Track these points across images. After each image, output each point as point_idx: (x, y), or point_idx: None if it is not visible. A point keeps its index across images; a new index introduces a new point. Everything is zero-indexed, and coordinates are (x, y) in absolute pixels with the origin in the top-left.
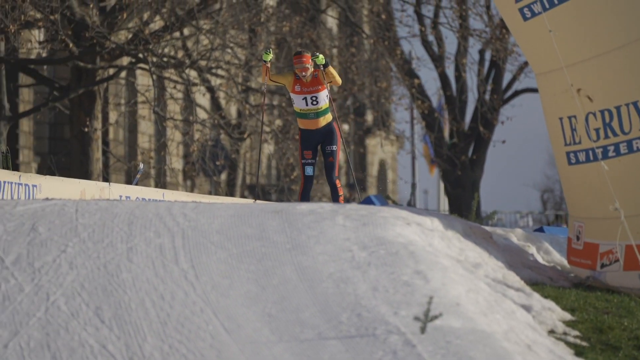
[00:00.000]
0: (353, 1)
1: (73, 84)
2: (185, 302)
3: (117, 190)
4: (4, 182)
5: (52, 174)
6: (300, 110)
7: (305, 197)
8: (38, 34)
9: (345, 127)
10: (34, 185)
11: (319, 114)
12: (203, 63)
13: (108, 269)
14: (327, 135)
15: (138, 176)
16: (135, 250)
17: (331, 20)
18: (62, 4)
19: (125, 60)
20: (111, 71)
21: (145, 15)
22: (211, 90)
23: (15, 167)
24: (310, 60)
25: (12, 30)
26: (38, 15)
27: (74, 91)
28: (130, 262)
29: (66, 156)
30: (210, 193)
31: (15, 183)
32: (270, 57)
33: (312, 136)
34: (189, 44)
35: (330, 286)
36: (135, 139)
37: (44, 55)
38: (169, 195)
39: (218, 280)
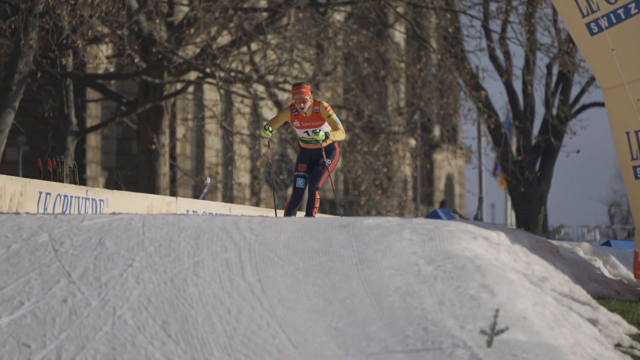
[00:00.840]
0: (420, 15)
1: (140, 99)
2: (251, 316)
3: (184, 204)
4: (72, 196)
5: (120, 188)
6: (302, 138)
7: (292, 209)
8: (106, 49)
9: (412, 142)
10: (101, 200)
11: (319, 140)
12: (270, 77)
13: (175, 283)
14: (327, 151)
15: (205, 190)
16: (202, 265)
17: (398, 35)
18: (130, 19)
19: (192, 75)
20: (179, 86)
21: (213, 30)
22: (278, 104)
23: (83, 182)
24: (309, 93)
25: (80, 46)
26: (105, 31)
27: (142, 106)
28: (197, 276)
29: (133, 171)
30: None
31: (83, 198)
32: (269, 135)
33: (311, 153)
34: (257, 58)
35: (396, 300)
36: (203, 153)
37: (111, 70)
38: (235, 209)
39: (285, 294)
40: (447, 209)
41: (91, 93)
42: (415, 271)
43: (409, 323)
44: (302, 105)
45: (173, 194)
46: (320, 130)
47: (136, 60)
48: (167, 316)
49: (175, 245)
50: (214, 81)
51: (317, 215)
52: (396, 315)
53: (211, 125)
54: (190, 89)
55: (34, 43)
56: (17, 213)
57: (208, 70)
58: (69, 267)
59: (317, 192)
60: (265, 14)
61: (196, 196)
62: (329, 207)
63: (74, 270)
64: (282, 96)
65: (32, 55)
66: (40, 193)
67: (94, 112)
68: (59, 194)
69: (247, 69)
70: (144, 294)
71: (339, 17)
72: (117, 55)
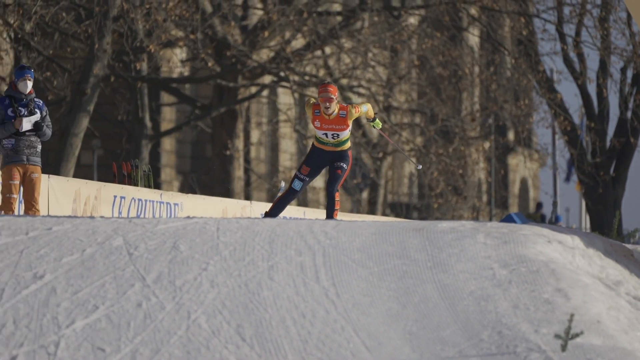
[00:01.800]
0: (494, 19)
1: (215, 103)
2: (326, 320)
3: (259, 208)
4: (146, 200)
5: (194, 192)
6: (320, 138)
7: (278, 206)
8: (180, 53)
9: (487, 146)
10: (175, 204)
11: (337, 144)
12: (344, 81)
13: (249, 287)
14: (338, 157)
15: (279, 194)
16: (276, 269)
17: (472, 38)
18: (204, 23)
19: (267, 79)
20: (253, 90)
21: (287, 34)
22: None
23: (157, 186)
24: (336, 93)
25: (153, 50)
26: (180, 34)
27: (216, 110)
28: (271, 280)
29: (208, 174)
30: (351, 211)
31: (157, 201)
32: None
33: (322, 155)
34: (331, 62)
35: (471, 304)
36: (277, 157)
37: (185, 74)
38: (310, 213)
39: (359, 298)
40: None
41: (165, 97)
42: (490, 275)
43: (483, 327)
44: (327, 104)
45: (247, 197)
46: (376, 120)
47: (210, 64)
48: (241, 320)
49: (249, 249)
50: (288, 85)
51: (391, 219)
52: (470, 319)
53: (285, 129)
54: (265, 92)
55: (108, 47)
56: (91, 217)
57: (282, 74)
58: (144, 271)
59: (337, 194)
60: (339, 18)
61: (270, 200)
62: (405, 210)
63: (148, 274)
64: (356, 99)
65: (106, 59)
66: (115, 197)
67: (168, 116)
68: (133, 198)
69: (321, 72)
70: (219, 297)
71: (413, 20)
72: (192, 59)
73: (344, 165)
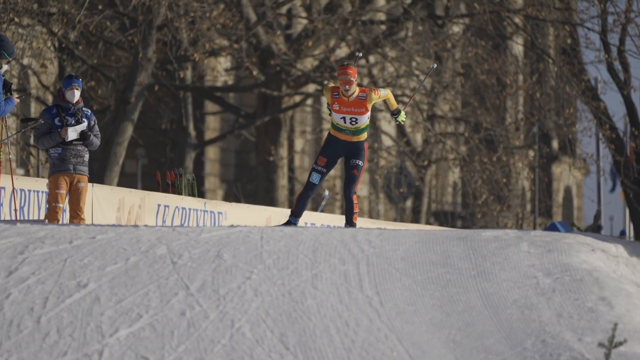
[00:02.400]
0: (538, 28)
1: (259, 112)
2: (369, 328)
3: (303, 217)
4: (190, 209)
5: (238, 201)
6: (337, 124)
7: (301, 203)
8: (224, 62)
9: (531, 154)
10: (219, 212)
11: (355, 132)
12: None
13: (293, 295)
14: (354, 150)
15: (323, 203)
16: (320, 277)
17: (516, 47)
18: (248, 32)
19: (311, 88)
20: (297, 98)
21: (332, 43)
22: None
23: (201, 194)
24: (356, 75)
25: (198, 59)
26: (224, 43)
27: (260, 118)
28: (315, 288)
29: (252, 183)
30: (395, 220)
31: (201, 210)
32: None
33: (338, 145)
34: (375, 71)
35: (514, 312)
36: None
37: (229, 82)
38: None
39: (403, 306)
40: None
41: (209, 105)
42: (534, 284)
43: (527, 335)
44: (347, 87)
45: (291, 206)
46: (400, 115)
47: (254, 72)
48: (285, 329)
49: (293, 258)
50: None
51: (435, 228)
52: (514, 327)
53: None
54: (309, 101)
55: (152, 56)
56: (135, 226)
57: (326, 82)
58: (187, 279)
59: (354, 197)
60: (383, 27)
61: (314, 209)
62: (449, 219)
63: (192, 283)
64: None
65: (150, 68)
66: (159, 205)
67: (212, 125)
68: (177, 207)
69: (365, 81)
70: (262, 306)
71: (457, 29)
72: (236, 67)
73: (360, 163)
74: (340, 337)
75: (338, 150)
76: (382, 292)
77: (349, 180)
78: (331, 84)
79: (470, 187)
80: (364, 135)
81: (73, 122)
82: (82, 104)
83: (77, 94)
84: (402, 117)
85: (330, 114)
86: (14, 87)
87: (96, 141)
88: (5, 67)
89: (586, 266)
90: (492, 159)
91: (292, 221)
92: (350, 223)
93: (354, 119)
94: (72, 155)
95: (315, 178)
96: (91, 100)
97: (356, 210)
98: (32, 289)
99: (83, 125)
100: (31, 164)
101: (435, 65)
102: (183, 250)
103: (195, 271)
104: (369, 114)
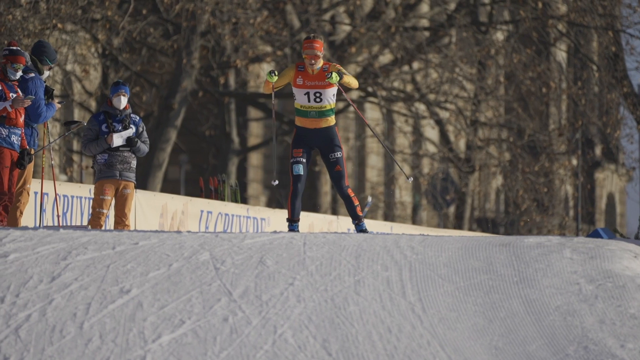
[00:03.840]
0: (582, 34)
1: None
2: (412, 334)
3: (345, 223)
4: (233, 215)
5: (281, 207)
6: (301, 106)
7: (294, 200)
8: (267, 68)
9: (574, 161)
10: (262, 219)
11: (321, 113)
12: (432, 96)
13: (335, 301)
14: (326, 140)
15: (366, 209)
16: (362, 283)
17: (560, 53)
18: (292, 38)
19: (354, 94)
20: (340, 105)
21: (375, 49)
22: (440, 123)
23: (244, 201)
24: (322, 49)
25: (240, 65)
26: (267, 50)
27: None
28: (357, 295)
29: None
30: (438, 226)
31: (244, 216)
32: (275, 79)
33: (308, 136)
34: (418, 77)
35: (557, 319)
36: (364, 172)
37: None
38: (397, 228)
39: (445, 313)
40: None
41: (252, 112)
42: (576, 290)
43: (569, 342)
44: (312, 62)
45: (334, 212)
46: (332, 75)
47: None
48: (327, 335)
49: (336, 264)
50: (375, 100)
51: (477, 234)
52: (556, 334)
53: (373, 144)
54: (352, 107)
55: (196, 62)
56: (178, 231)
57: (370, 89)
58: (230, 285)
59: (350, 191)
60: (427, 33)
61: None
62: (491, 226)
63: (235, 289)
64: (444, 114)
65: (194, 74)
66: (202, 211)
67: (255, 131)
68: (220, 213)
69: (409, 87)
70: (305, 312)
71: (500, 35)
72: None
73: (339, 155)
74: (383, 343)
75: (310, 141)
76: (424, 298)
77: (337, 179)
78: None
79: (512, 195)
80: (332, 119)
81: (120, 128)
82: (130, 110)
83: (124, 100)
84: (334, 78)
85: (272, 77)
86: (55, 93)
87: (144, 147)
88: (47, 73)
89: (629, 272)
90: (535, 167)
91: (294, 229)
92: (356, 218)
93: (317, 94)
94: (118, 162)
95: (299, 169)
96: (135, 106)
97: (356, 202)
98: (75, 294)
99: (129, 132)
100: (73, 169)
101: (411, 179)
102: (226, 256)
103: (238, 277)
104: (334, 90)
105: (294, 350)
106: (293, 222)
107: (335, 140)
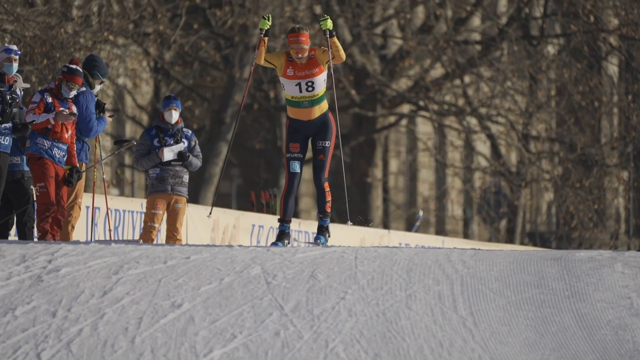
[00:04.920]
0: (634, 48)
1: (354, 132)
2: (463, 349)
3: (397, 237)
4: None
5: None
6: (292, 97)
7: (288, 198)
8: None
9: (625, 174)
10: (314, 233)
11: (314, 102)
12: (483, 110)
13: (387, 316)
14: (320, 127)
15: (418, 223)
16: (414, 297)
17: (611, 67)
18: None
19: (405, 108)
20: (392, 119)
21: (426, 63)
22: (491, 137)
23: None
24: (308, 41)
25: None
26: None
27: (355, 139)
28: (409, 309)
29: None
30: (490, 240)
31: (295, 230)
32: (269, 24)
33: (303, 128)
34: (470, 91)
35: (608, 333)
36: (415, 186)
37: None
38: (448, 242)
39: (497, 327)
40: None
41: None
42: (627, 304)
43: (620, 356)
44: (299, 55)
45: (385, 226)
46: (327, 21)
47: (353, 92)
48: (379, 349)
49: (387, 278)
50: (427, 114)
51: (529, 248)
52: (608, 348)
53: (424, 158)
54: (404, 121)
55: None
56: (230, 246)
57: (421, 103)
58: (282, 299)
59: (326, 185)
60: (478, 47)
61: (409, 229)
62: (543, 240)
63: (286, 303)
64: (496, 129)
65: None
66: (253, 226)
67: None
68: (271, 227)
69: (461, 101)
70: (356, 326)
71: (552, 49)
72: (330, 88)
73: (327, 144)
74: (434, 357)
75: (305, 132)
76: (476, 312)
77: (318, 168)
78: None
79: (562, 210)
80: (325, 104)
81: (172, 142)
82: (182, 124)
83: (175, 114)
84: (329, 23)
85: (266, 23)
86: (107, 106)
87: (196, 162)
88: (98, 87)
89: None
90: (585, 182)
91: (285, 230)
92: (323, 212)
93: (310, 84)
94: (170, 176)
95: (296, 166)
96: (187, 120)
97: (328, 198)
98: (127, 309)
99: (181, 146)
100: (125, 183)
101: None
102: (277, 270)
103: (289, 291)
104: (324, 75)
105: None
106: (284, 223)
107: (329, 128)
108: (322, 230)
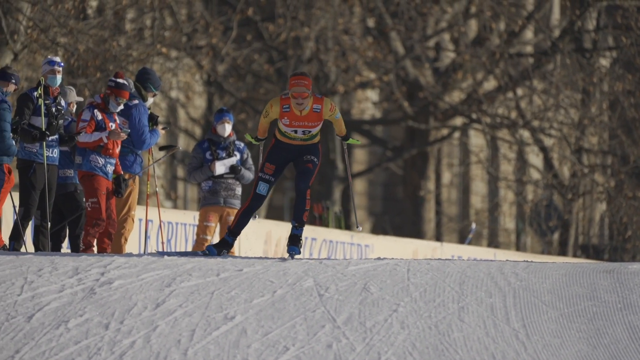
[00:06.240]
0: None
1: (406, 145)
2: None
3: (449, 250)
4: (337, 241)
5: (385, 233)
6: (285, 132)
7: (243, 219)
8: (372, 94)
9: None
10: (366, 245)
11: (307, 139)
12: (536, 123)
13: (439, 328)
14: (307, 150)
15: (470, 236)
16: (466, 310)
17: None
18: (397, 65)
19: (458, 121)
20: (444, 131)
21: (479, 76)
22: (544, 150)
23: (348, 227)
24: (310, 87)
25: (342, 91)
26: (372, 76)
27: (407, 152)
28: (461, 321)
29: (399, 216)
30: (542, 252)
31: (348, 243)
32: (250, 137)
33: (287, 149)
34: (523, 104)
35: None
36: (468, 199)
37: (377, 115)
38: (500, 255)
39: (549, 339)
40: None
41: (357, 138)
42: None
43: None
44: (300, 101)
45: (438, 239)
46: (349, 138)
47: (405, 104)
48: None
49: (440, 291)
50: (479, 127)
51: (581, 261)
52: None
53: (477, 171)
54: (456, 134)
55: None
56: (282, 258)
57: (474, 115)
58: (334, 312)
59: (307, 192)
60: (531, 59)
61: (461, 242)
62: (595, 252)
63: (339, 316)
64: (548, 142)
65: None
66: (306, 238)
67: (359, 158)
68: (324, 239)
69: (513, 114)
70: (409, 339)
71: (604, 62)
72: (384, 100)
73: (315, 159)
74: None
75: (287, 155)
76: (528, 324)
77: (304, 173)
78: (277, 97)
79: (616, 221)
80: (318, 138)
81: (224, 155)
82: (234, 137)
83: (228, 127)
84: (352, 140)
85: (256, 142)
86: (160, 119)
87: (248, 175)
88: (151, 99)
89: None
90: (639, 194)
91: (229, 241)
92: (299, 221)
93: (306, 132)
94: (222, 189)
95: (263, 189)
96: (239, 133)
97: (307, 207)
98: (179, 321)
99: (233, 160)
100: (177, 195)
101: (360, 228)
102: (330, 282)
103: (341, 304)
104: (320, 125)
105: None
106: (232, 235)
107: (316, 151)
108: (295, 241)
